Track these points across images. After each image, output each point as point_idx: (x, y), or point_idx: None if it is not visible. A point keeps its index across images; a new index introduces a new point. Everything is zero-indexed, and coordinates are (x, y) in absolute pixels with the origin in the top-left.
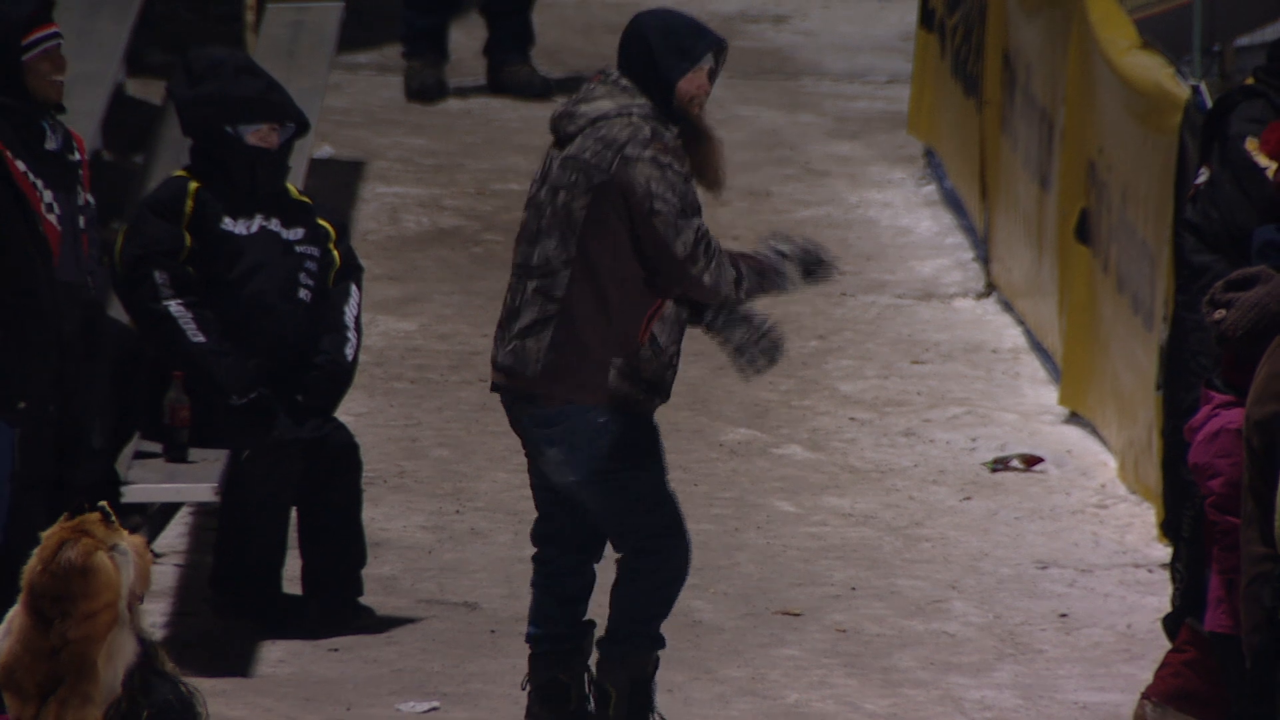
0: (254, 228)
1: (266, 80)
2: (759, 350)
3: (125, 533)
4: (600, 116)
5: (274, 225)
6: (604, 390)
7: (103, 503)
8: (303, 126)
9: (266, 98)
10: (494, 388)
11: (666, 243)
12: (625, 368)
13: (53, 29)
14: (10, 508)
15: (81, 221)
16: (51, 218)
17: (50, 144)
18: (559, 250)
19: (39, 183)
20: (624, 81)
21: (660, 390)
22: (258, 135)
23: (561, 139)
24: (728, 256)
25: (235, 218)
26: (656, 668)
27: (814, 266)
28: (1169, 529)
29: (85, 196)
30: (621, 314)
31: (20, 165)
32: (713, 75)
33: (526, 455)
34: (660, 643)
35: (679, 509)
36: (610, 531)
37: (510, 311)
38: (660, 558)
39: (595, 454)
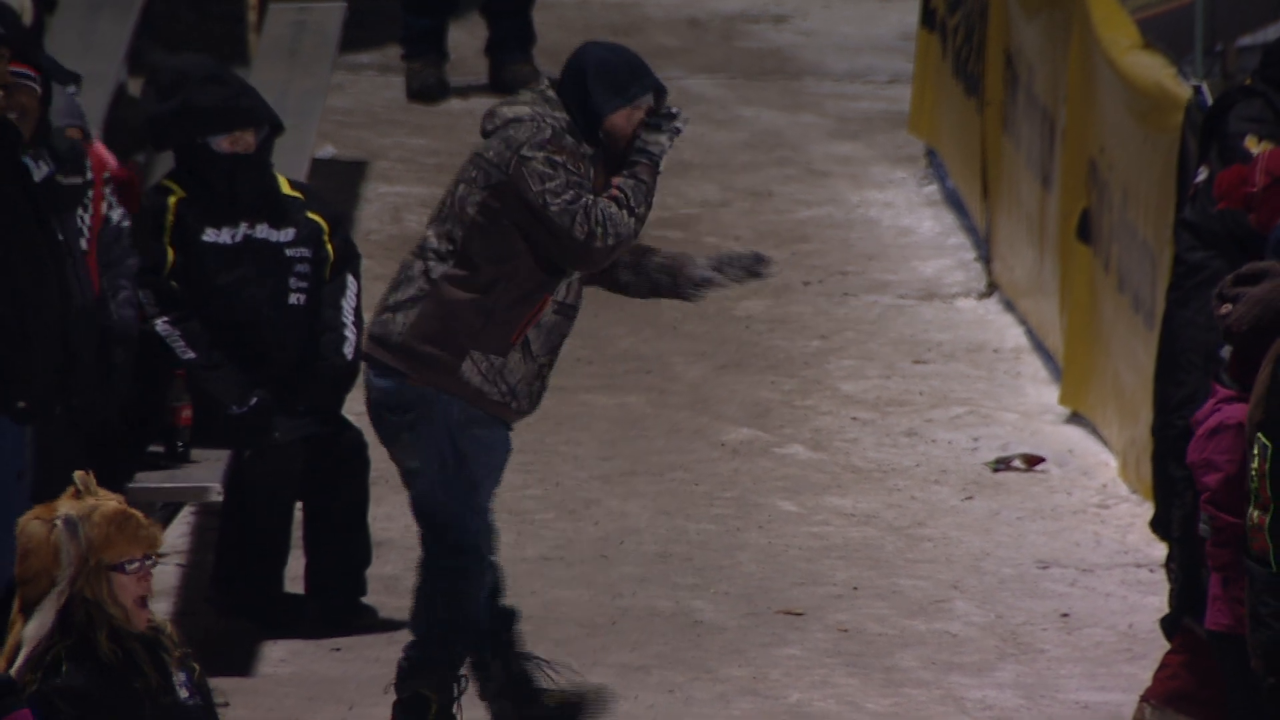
0: (238, 236)
1: (233, 87)
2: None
3: (96, 500)
4: (514, 119)
5: (261, 231)
6: (457, 379)
7: (77, 472)
8: (276, 127)
9: (235, 104)
10: (363, 356)
11: (566, 230)
12: (488, 367)
13: None
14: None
15: (83, 243)
16: None
17: (38, 175)
18: (445, 239)
19: None
20: (551, 93)
21: (520, 397)
22: (230, 140)
23: (483, 135)
24: (605, 200)
25: (219, 227)
26: (455, 690)
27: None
28: (1158, 526)
29: (100, 213)
30: (498, 313)
31: None
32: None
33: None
34: (451, 662)
35: (491, 534)
36: (423, 527)
37: (392, 284)
38: (456, 573)
39: (442, 448)
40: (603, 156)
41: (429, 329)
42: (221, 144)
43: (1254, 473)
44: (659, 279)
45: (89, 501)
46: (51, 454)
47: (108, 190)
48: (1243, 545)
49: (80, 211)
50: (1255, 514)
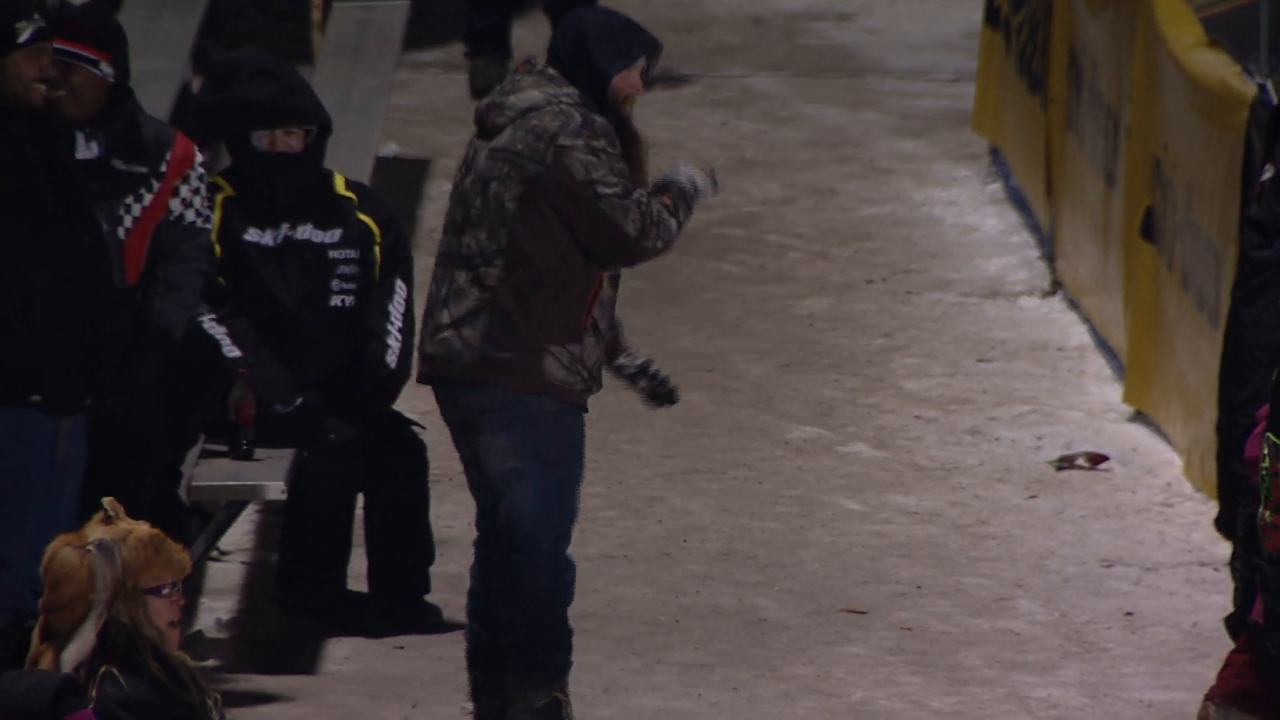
0: (279, 238)
1: (284, 83)
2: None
3: (126, 526)
4: (530, 107)
5: (303, 232)
6: (543, 378)
7: (106, 499)
8: (324, 128)
9: (281, 100)
10: (423, 379)
11: (617, 224)
12: (569, 358)
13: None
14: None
15: (121, 232)
16: None
17: (84, 153)
18: (489, 240)
19: None
20: (550, 71)
21: (597, 379)
22: (269, 139)
23: (488, 130)
24: (658, 203)
25: (261, 228)
26: (557, 698)
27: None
28: (1222, 524)
29: (163, 205)
30: (561, 302)
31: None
32: (645, 75)
33: (460, 447)
34: (568, 661)
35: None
36: (523, 525)
37: (436, 301)
38: (561, 570)
39: (540, 443)
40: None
41: (501, 336)
42: (261, 141)
43: (1264, 472)
44: None
45: (122, 526)
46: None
47: (188, 188)
48: (1256, 546)
49: (130, 200)
50: (1267, 514)
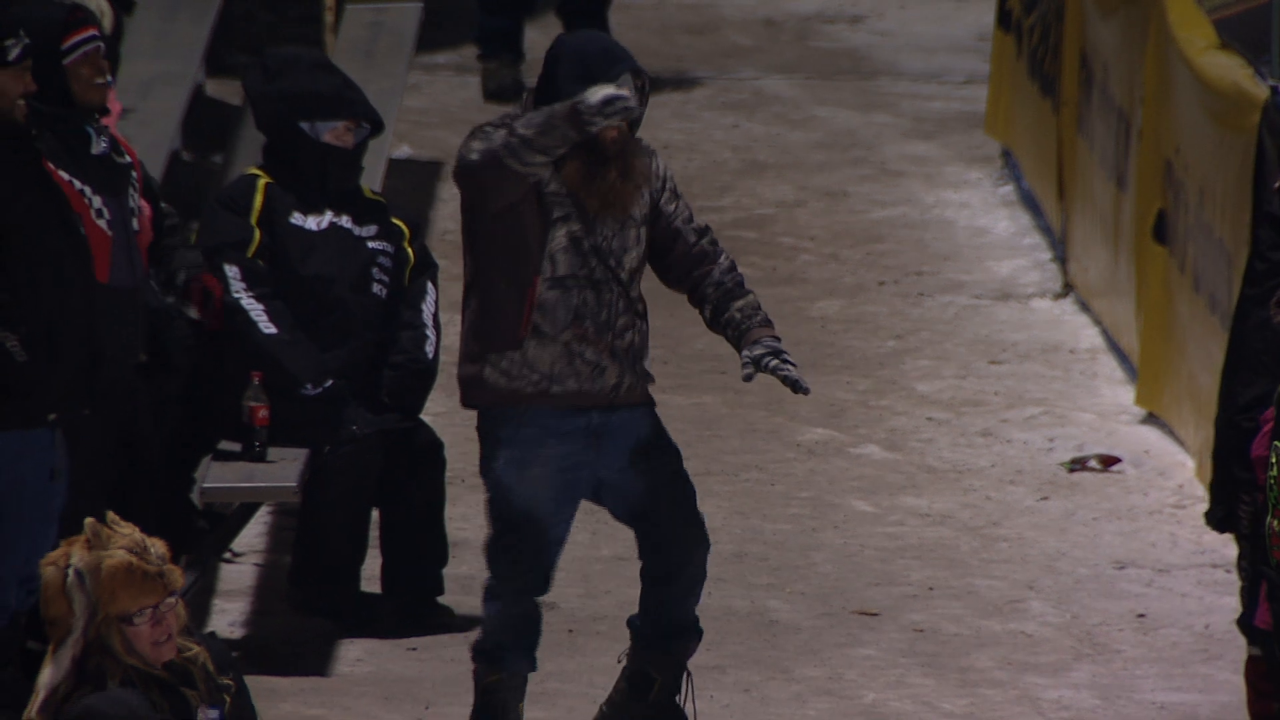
0: (324, 223)
1: (343, 78)
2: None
3: (105, 551)
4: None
5: (345, 221)
6: (487, 390)
7: (88, 520)
8: (377, 127)
9: (342, 95)
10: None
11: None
12: (509, 363)
13: (91, 32)
14: (65, 513)
15: (135, 224)
16: (101, 223)
17: (96, 148)
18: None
19: (86, 189)
20: (515, 110)
21: (563, 378)
22: (334, 134)
23: None
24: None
25: (305, 213)
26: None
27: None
28: (1212, 519)
29: (138, 200)
30: (500, 309)
31: (64, 174)
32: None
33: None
34: (484, 660)
35: (539, 539)
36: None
37: None
38: (490, 594)
39: (492, 468)
40: (582, 152)
41: (462, 353)
42: (326, 135)
43: (1272, 480)
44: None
45: (97, 554)
46: (85, 461)
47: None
48: (1263, 555)
49: (132, 191)
50: (1275, 523)
